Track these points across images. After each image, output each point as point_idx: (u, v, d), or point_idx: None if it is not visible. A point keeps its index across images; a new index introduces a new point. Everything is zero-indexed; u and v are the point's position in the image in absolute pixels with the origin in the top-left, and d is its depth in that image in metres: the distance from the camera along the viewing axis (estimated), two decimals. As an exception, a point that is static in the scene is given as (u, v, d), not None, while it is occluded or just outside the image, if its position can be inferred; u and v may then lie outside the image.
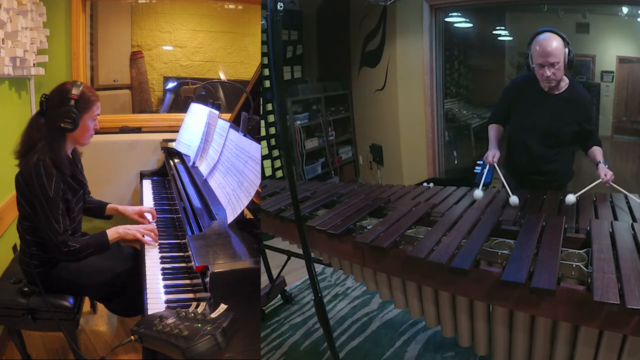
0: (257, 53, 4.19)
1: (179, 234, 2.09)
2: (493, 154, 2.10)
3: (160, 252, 1.90)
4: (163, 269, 1.77)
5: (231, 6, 4.20)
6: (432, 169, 4.12)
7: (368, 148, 4.62)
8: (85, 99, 1.80)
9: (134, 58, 4.05)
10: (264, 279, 2.68)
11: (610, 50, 3.63)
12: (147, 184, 2.89)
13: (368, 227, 1.61)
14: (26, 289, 1.85)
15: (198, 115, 2.88)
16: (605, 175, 1.85)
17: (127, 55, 4.03)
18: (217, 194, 2.02)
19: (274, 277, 2.66)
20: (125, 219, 2.18)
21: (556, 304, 1.09)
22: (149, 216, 2.23)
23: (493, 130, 2.24)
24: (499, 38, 4.36)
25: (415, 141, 4.12)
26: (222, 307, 1.20)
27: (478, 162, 2.17)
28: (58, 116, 1.76)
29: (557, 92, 2.02)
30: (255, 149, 1.85)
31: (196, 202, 2.06)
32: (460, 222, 1.53)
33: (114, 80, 4.05)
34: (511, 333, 1.26)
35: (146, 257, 1.85)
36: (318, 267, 3.02)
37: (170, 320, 1.18)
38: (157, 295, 1.61)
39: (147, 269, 1.77)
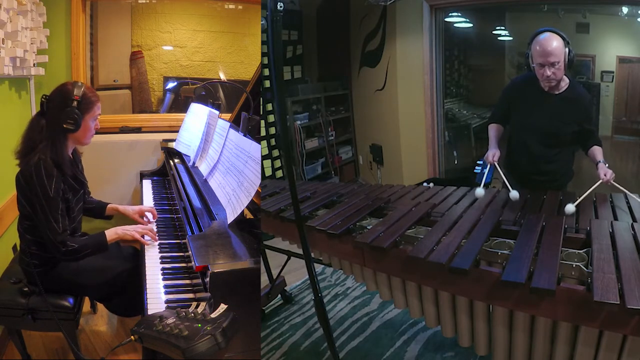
0: (257, 53, 4.19)
1: (179, 234, 2.09)
2: (493, 154, 2.10)
3: (160, 252, 1.90)
4: (163, 269, 1.78)
5: (231, 6, 4.20)
6: (432, 169, 4.12)
7: (368, 148, 4.62)
8: (87, 100, 1.81)
9: (134, 58, 4.05)
10: (264, 279, 2.68)
11: (610, 50, 3.63)
12: (147, 184, 2.89)
13: (368, 227, 1.61)
14: (26, 289, 1.85)
15: (198, 115, 2.88)
16: (605, 175, 1.84)
17: (127, 55, 4.03)
18: (217, 194, 2.02)
19: (274, 277, 2.66)
20: (126, 219, 2.18)
21: (556, 304, 1.09)
22: (149, 215, 2.23)
23: (493, 130, 2.24)
24: (499, 38, 4.36)
25: (415, 141, 4.12)
26: (222, 307, 1.20)
27: (478, 162, 2.17)
28: (60, 117, 1.76)
29: (557, 92, 2.02)
30: (255, 149, 1.85)
31: (196, 202, 2.06)
32: (460, 222, 1.53)
33: (114, 80, 4.05)
34: (511, 333, 1.26)
35: (146, 257, 1.85)
36: (318, 267, 3.02)
37: (170, 320, 1.18)
38: (157, 295, 1.61)
39: (147, 269, 1.77)
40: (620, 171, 3.65)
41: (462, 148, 4.39)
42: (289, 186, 1.48)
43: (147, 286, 1.66)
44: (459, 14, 4.05)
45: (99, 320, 2.58)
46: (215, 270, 1.41)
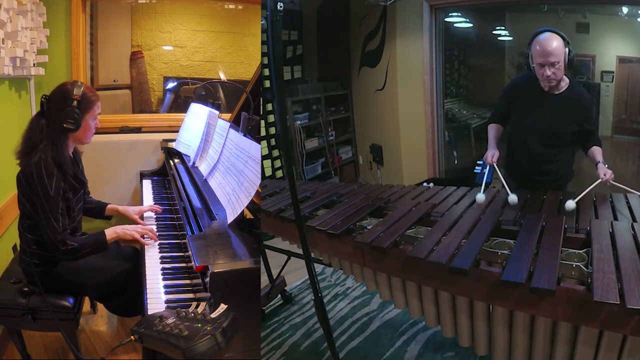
0: (257, 53, 4.19)
1: (179, 234, 2.09)
2: (492, 154, 2.10)
3: (160, 252, 1.90)
4: (163, 269, 1.78)
5: (231, 6, 4.20)
6: (432, 169, 4.12)
7: (368, 148, 4.62)
8: (86, 99, 1.81)
9: (134, 58, 4.05)
10: (264, 279, 2.68)
11: (610, 50, 3.63)
12: (147, 184, 2.89)
13: (368, 227, 1.61)
14: (26, 289, 1.86)
15: (198, 115, 2.88)
16: (604, 175, 1.84)
17: (127, 55, 4.03)
18: (217, 194, 2.02)
19: (274, 277, 2.66)
20: (126, 220, 2.18)
21: (556, 304, 1.09)
22: (151, 213, 2.24)
23: (493, 130, 2.24)
24: (499, 38, 4.36)
25: (415, 141, 4.12)
26: (222, 307, 1.20)
27: (478, 162, 2.17)
28: (60, 117, 1.77)
29: (557, 92, 2.02)
30: (255, 149, 1.85)
31: (196, 202, 2.06)
32: (460, 222, 1.53)
33: (114, 80, 4.05)
34: (511, 333, 1.26)
35: (146, 257, 1.85)
36: (318, 267, 3.02)
37: (170, 320, 1.18)
38: (157, 295, 1.61)
39: (147, 269, 1.77)
40: (620, 171, 3.65)
41: (462, 148, 4.39)
42: (289, 186, 1.48)
43: (147, 286, 1.66)
44: (459, 14, 4.05)
45: (99, 320, 2.58)
46: (215, 270, 1.41)
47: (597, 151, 2.01)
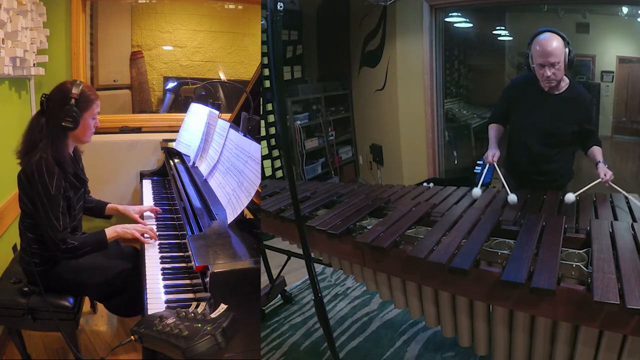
0: (257, 53, 4.19)
1: (179, 234, 2.09)
2: (493, 154, 2.10)
3: (160, 252, 1.90)
4: (163, 269, 1.78)
5: (231, 6, 4.20)
6: (432, 169, 4.12)
7: (368, 148, 4.62)
8: (85, 98, 1.82)
9: (134, 58, 4.05)
10: (264, 279, 2.68)
11: (610, 50, 3.63)
12: (147, 184, 2.89)
13: (368, 227, 1.61)
14: (26, 289, 1.86)
15: (198, 115, 2.88)
16: (604, 175, 1.85)
17: (127, 55, 4.03)
18: (217, 194, 2.02)
19: (274, 277, 2.66)
20: (126, 219, 2.18)
21: (556, 304, 1.09)
22: (150, 213, 2.24)
23: (493, 130, 2.24)
24: (499, 38, 4.36)
25: (415, 141, 4.12)
26: (222, 307, 1.20)
27: (478, 162, 2.17)
28: (59, 115, 1.77)
29: (557, 92, 2.02)
30: (255, 149, 1.85)
31: (196, 202, 2.06)
32: (460, 222, 1.53)
33: (114, 80, 4.05)
34: (511, 333, 1.26)
35: (146, 257, 1.85)
36: (318, 267, 3.02)
37: (170, 320, 1.18)
38: (157, 295, 1.61)
39: (147, 268, 1.77)
40: (620, 171, 3.65)
41: (462, 148, 4.39)
42: (289, 186, 1.48)
43: (147, 286, 1.66)
44: (459, 14, 4.05)
45: (99, 320, 2.58)
46: (215, 270, 1.41)
47: (597, 151, 2.01)
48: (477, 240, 1.35)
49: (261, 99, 3.70)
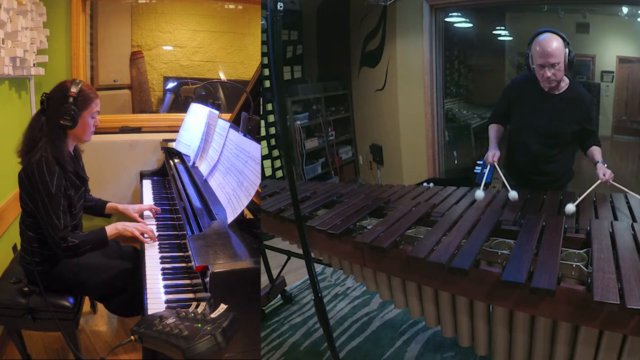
0: (257, 53, 4.19)
1: (179, 234, 2.09)
2: (493, 154, 2.09)
3: (160, 252, 1.90)
4: (163, 268, 1.78)
5: (231, 6, 4.20)
6: (432, 169, 4.12)
7: (368, 148, 4.62)
8: (84, 96, 1.82)
9: (134, 58, 4.05)
10: (264, 279, 2.68)
11: (610, 50, 3.63)
12: (147, 184, 2.89)
13: (368, 227, 1.61)
14: (26, 288, 1.86)
15: (198, 115, 2.88)
16: (604, 175, 1.84)
17: (127, 55, 4.03)
18: (217, 194, 2.02)
19: (274, 277, 2.66)
20: (125, 218, 2.18)
21: (556, 304, 1.09)
22: (149, 214, 2.24)
23: (493, 130, 2.24)
24: (499, 38, 4.37)
25: (415, 141, 4.12)
26: (222, 307, 1.20)
27: (478, 162, 2.17)
28: (58, 114, 1.78)
29: (557, 93, 2.02)
30: (255, 149, 1.85)
31: (196, 202, 2.06)
32: (460, 222, 1.53)
33: (114, 80, 4.04)
34: (511, 333, 1.26)
35: (146, 257, 1.85)
36: (318, 267, 3.02)
37: (170, 320, 1.18)
38: (157, 295, 1.61)
39: (147, 268, 1.77)
40: (620, 171, 3.65)
41: (462, 148, 4.39)
42: (289, 186, 1.48)
43: (147, 286, 1.66)
44: (459, 14, 4.05)
45: (99, 320, 2.58)
46: (215, 270, 1.41)
47: (596, 151, 2.01)
48: (477, 240, 1.35)
49: (261, 99, 3.70)
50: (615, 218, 1.56)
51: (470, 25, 4.22)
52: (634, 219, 1.54)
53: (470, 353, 2.12)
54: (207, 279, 1.43)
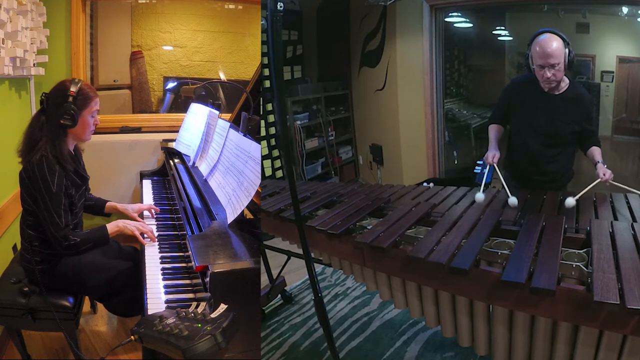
0: (257, 53, 4.19)
1: (179, 234, 2.09)
2: (493, 155, 2.09)
3: (160, 252, 1.90)
4: (163, 268, 1.78)
5: (231, 6, 4.20)
6: (432, 169, 4.12)
7: (368, 148, 4.62)
8: (83, 96, 1.83)
9: (134, 58, 4.05)
10: (264, 279, 2.68)
11: (610, 50, 3.63)
12: (147, 184, 2.89)
13: (368, 227, 1.61)
14: (26, 288, 1.86)
15: (198, 115, 2.88)
16: (604, 175, 1.84)
17: (127, 55, 4.03)
18: (217, 194, 2.02)
19: (274, 277, 2.66)
20: (124, 217, 2.18)
21: (556, 304, 1.09)
22: (148, 214, 2.24)
23: (493, 130, 2.24)
24: (499, 38, 4.36)
25: (415, 141, 4.12)
26: (222, 307, 1.20)
27: (478, 162, 2.16)
28: (58, 113, 1.79)
29: (557, 93, 2.02)
30: (255, 149, 1.85)
31: (196, 202, 2.06)
32: (460, 222, 1.53)
33: (114, 80, 4.05)
34: (511, 333, 1.26)
35: (146, 257, 1.85)
36: (318, 267, 3.02)
37: (170, 320, 1.18)
38: (157, 295, 1.61)
39: (147, 268, 1.77)
40: (620, 171, 3.65)
41: (462, 148, 4.39)
42: (289, 186, 1.48)
43: (147, 286, 1.65)
44: (459, 14, 4.05)
45: (99, 320, 2.58)
46: (215, 270, 1.41)
47: (596, 151, 2.01)
48: (477, 240, 1.35)
49: (261, 99, 3.70)
50: (615, 218, 1.56)
51: (470, 25, 4.22)
52: (634, 219, 1.54)
53: (470, 353, 2.12)
54: (207, 279, 1.43)
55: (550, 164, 2.13)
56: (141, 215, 2.24)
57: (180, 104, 4.10)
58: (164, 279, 1.71)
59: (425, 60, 3.85)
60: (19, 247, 2.10)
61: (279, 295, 2.77)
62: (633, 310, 0.95)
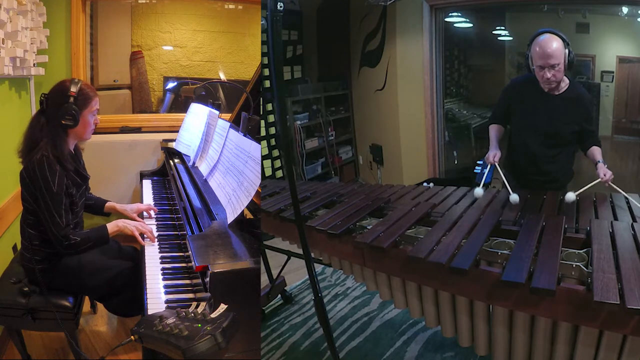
0: (257, 53, 4.19)
1: (179, 234, 2.09)
2: (494, 154, 2.09)
3: (160, 252, 1.90)
4: (163, 268, 1.77)
5: (231, 6, 4.20)
6: (432, 169, 4.12)
7: (368, 148, 4.62)
8: (83, 95, 1.83)
9: (134, 58, 4.05)
10: (264, 279, 2.68)
11: (610, 50, 3.63)
12: (147, 184, 2.89)
13: (368, 227, 1.61)
14: (26, 288, 1.86)
15: (198, 115, 2.88)
16: (604, 175, 1.85)
17: (127, 55, 4.03)
18: (217, 194, 2.02)
19: (274, 277, 2.66)
20: (124, 217, 2.18)
21: (556, 304, 1.09)
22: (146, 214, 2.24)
23: (494, 130, 2.24)
24: (499, 38, 4.37)
25: (415, 141, 4.12)
26: (222, 307, 1.20)
27: (478, 162, 2.17)
28: (59, 114, 1.79)
29: (557, 93, 2.02)
30: (255, 149, 1.85)
31: (196, 202, 2.06)
32: (460, 222, 1.53)
33: (114, 80, 4.05)
34: (511, 333, 1.26)
35: (146, 257, 1.85)
36: (318, 267, 3.02)
37: (170, 320, 1.18)
38: (157, 295, 1.61)
39: (147, 268, 1.77)
40: (620, 171, 3.65)
41: (462, 148, 4.39)
42: (289, 186, 1.48)
43: (147, 286, 1.65)
44: (459, 14, 4.05)
45: (99, 320, 2.58)
46: (215, 270, 1.41)
47: (596, 151, 2.01)
48: (477, 240, 1.35)
49: (261, 99, 3.70)
50: (615, 218, 1.56)
51: (470, 25, 4.22)
52: (634, 219, 1.54)
53: (470, 353, 2.12)
54: (207, 279, 1.43)
55: (550, 164, 2.13)
56: (141, 215, 2.24)
57: (180, 104, 4.11)
58: (164, 279, 1.71)
59: (425, 60, 3.86)
60: (19, 247, 2.10)
61: (279, 295, 2.77)
62: (633, 310, 0.95)
